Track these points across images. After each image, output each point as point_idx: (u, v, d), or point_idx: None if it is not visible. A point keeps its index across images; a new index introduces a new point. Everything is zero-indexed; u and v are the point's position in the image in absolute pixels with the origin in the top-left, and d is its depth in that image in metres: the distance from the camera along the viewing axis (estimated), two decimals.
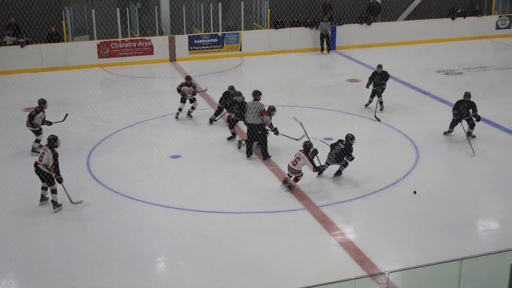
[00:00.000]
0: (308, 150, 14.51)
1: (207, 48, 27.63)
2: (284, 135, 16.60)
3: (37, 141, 16.79)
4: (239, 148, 16.98)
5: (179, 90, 19.43)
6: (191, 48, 27.44)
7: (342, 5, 30.42)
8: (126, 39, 26.67)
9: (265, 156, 16.44)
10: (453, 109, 17.81)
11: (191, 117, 19.71)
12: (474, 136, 17.59)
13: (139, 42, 26.81)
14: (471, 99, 17.52)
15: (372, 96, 20.57)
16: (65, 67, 25.75)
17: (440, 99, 21.63)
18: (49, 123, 16.76)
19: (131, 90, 23.21)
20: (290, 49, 28.74)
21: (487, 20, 32.50)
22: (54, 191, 13.52)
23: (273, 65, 26.45)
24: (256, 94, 16.60)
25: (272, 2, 29.40)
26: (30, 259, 11.69)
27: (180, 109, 19.56)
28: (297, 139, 16.05)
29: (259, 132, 16.24)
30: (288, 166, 14.57)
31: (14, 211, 13.51)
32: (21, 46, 25.36)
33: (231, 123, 17.78)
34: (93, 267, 11.50)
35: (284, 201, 14.11)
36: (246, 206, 13.90)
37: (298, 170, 14.43)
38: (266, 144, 16.45)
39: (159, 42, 27.07)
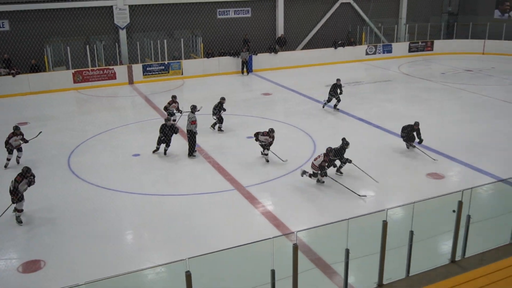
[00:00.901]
0: (329, 153, 13.77)
1: (156, 73, 27.25)
2: (275, 154, 15.75)
3: (8, 159, 15.35)
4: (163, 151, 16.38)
5: (166, 108, 18.83)
6: (144, 73, 26.99)
7: (256, 39, 30.62)
8: (95, 68, 26.01)
9: (190, 153, 16.10)
10: (401, 132, 16.57)
11: (174, 120, 18.61)
12: (414, 146, 16.49)
13: (105, 70, 26.16)
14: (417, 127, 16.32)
15: (329, 101, 21.16)
16: (48, 90, 24.94)
17: (329, 105, 21.97)
18: (26, 141, 15.52)
19: (100, 107, 22.63)
20: (219, 72, 28.66)
21: (359, 48, 33.22)
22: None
23: (207, 84, 26.33)
24: (192, 108, 16.53)
25: (204, 38, 29.26)
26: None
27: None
28: (283, 160, 15.54)
29: (189, 136, 16.05)
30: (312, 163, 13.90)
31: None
32: (13, 76, 24.41)
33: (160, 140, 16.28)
34: (78, 241, 11.19)
35: (219, 185, 14.06)
36: (191, 190, 13.79)
37: (317, 166, 13.68)
38: (194, 145, 16.14)
39: (120, 70, 26.54)
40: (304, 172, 14.06)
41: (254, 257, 8.53)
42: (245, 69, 29.02)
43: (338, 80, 21.20)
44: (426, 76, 28.23)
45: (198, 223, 12.00)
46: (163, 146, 16.30)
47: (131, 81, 26.74)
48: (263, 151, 15.61)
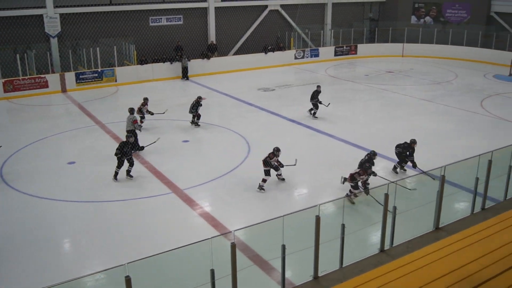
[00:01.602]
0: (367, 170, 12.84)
1: (90, 81, 26.42)
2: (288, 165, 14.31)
3: None
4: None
5: (140, 110, 18.85)
6: (77, 81, 26.09)
7: (189, 46, 30.36)
8: (26, 77, 24.88)
9: (139, 148, 16.42)
10: (395, 148, 14.81)
11: (140, 126, 17.98)
12: (404, 170, 14.85)
13: (36, 79, 25.07)
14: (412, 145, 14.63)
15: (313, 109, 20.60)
16: None
17: (262, 108, 22.13)
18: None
19: (33, 116, 21.68)
20: (154, 78, 28.19)
21: (288, 53, 33.62)
22: None
23: (141, 91, 25.77)
24: (130, 111, 16.64)
25: (137, 46, 28.71)
26: None
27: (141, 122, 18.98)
28: (294, 164, 14.27)
29: (129, 135, 15.68)
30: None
31: None
32: None
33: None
34: (14, 252, 10.64)
35: (157, 189, 13.80)
36: (128, 195, 13.45)
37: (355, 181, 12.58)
38: (137, 143, 16.33)
39: (52, 78, 25.52)
40: (344, 180, 13.04)
41: (194, 258, 8.41)
42: (185, 75, 28.86)
43: (318, 86, 20.76)
44: (351, 78, 28.97)
45: (137, 228, 11.70)
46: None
47: (64, 90, 25.79)
48: (278, 172, 14.12)
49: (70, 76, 25.94)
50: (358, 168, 13.16)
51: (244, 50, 33.17)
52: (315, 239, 8.15)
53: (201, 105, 19.50)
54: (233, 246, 7.38)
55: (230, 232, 9.92)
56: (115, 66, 27.41)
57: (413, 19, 38.48)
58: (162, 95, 24.78)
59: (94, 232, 11.56)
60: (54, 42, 26.47)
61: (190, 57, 29.39)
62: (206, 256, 7.36)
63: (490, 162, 10.34)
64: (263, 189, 13.57)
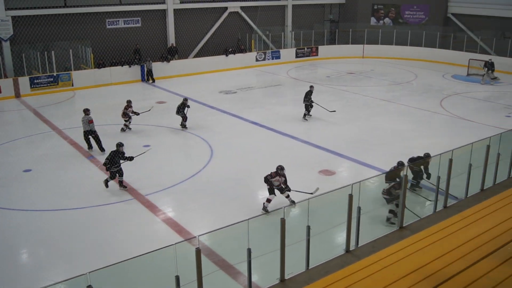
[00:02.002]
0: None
1: (45, 86, 25.79)
2: (298, 191, 12.78)
3: None
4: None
5: (124, 113, 19.04)
6: (32, 86, 25.43)
7: (148, 49, 30.07)
8: None
9: (102, 149, 16.87)
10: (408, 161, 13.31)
11: (130, 129, 19.35)
12: (420, 188, 13.15)
13: None
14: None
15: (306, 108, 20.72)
16: None
17: (224, 111, 22.10)
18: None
19: None
20: (112, 82, 27.76)
21: (250, 55, 33.70)
22: None
23: (99, 95, 25.37)
24: (85, 111, 16.91)
25: (94, 49, 28.24)
26: None
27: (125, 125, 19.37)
28: (311, 193, 12.60)
29: (92, 135, 16.62)
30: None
31: None
32: None
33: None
34: None
35: (117, 195, 13.58)
36: (88, 202, 13.18)
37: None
38: (99, 140, 16.95)
39: (5, 83, 24.81)
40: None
41: (158, 265, 8.29)
42: (150, 77, 28.68)
43: (311, 87, 21.01)
44: (313, 80, 29.24)
45: (98, 236, 11.48)
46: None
47: (18, 95, 25.10)
48: (284, 194, 12.56)
49: (24, 81, 25.27)
50: None
51: (204, 52, 33.07)
52: (280, 242, 8.17)
53: (188, 106, 19.59)
54: (198, 251, 7.33)
55: (195, 237, 9.82)
56: (71, 70, 26.88)
57: (373, 20, 39.20)
58: (121, 99, 24.36)
59: (53, 241, 11.28)
60: (6, 45, 25.75)
61: (152, 60, 29.09)
62: (170, 263, 7.28)
63: (450, 161, 10.59)
64: (267, 211, 12.25)
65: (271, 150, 17.19)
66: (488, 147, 11.66)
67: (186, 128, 19.50)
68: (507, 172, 12.44)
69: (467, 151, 11.73)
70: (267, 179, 12.48)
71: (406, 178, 9.76)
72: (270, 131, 19.26)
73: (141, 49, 29.58)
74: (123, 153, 14.14)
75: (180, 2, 31.39)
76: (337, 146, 17.33)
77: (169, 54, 30.53)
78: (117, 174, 13.99)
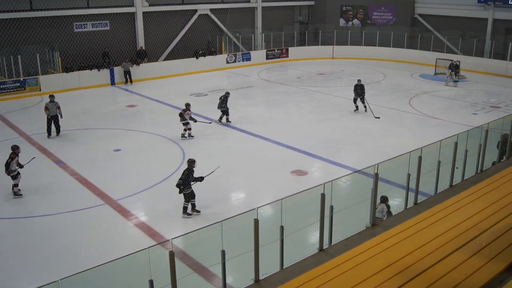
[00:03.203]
0: None
1: (12, 91, 25.30)
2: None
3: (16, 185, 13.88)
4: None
5: (181, 114, 18.57)
6: None
7: (117, 52, 29.78)
8: None
9: (59, 132, 18.83)
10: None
11: (187, 137, 18.58)
12: None
13: None
14: None
15: (355, 102, 22.12)
16: None
17: (195, 113, 21.97)
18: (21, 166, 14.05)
19: None
20: (80, 86, 27.38)
21: (220, 57, 33.67)
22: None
23: (68, 100, 24.95)
24: (51, 96, 18.82)
25: (62, 53, 27.82)
26: None
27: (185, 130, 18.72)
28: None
29: (55, 120, 18.66)
30: None
31: None
32: None
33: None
34: None
35: (89, 201, 13.42)
36: (58, 209, 12.99)
37: None
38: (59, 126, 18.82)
39: None
40: None
41: (131, 269, 8.23)
42: (129, 79, 28.54)
43: (359, 80, 22.35)
44: (284, 81, 29.40)
45: (70, 242, 11.32)
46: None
47: None
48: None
49: None
50: None
51: (174, 55, 32.92)
52: (254, 242, 8.18)
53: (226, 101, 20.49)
54: (172, 255, 7.29)
55: (168, 240, 9.78)
56: (38, 75, 26.44)
57: (342, 21, 39.62)
58: (90, 104, 24.14)
59: (24, 249, 11.07)
60: None
61: (117, 63, 28.77)
62: (144, 267, 7.23)
63: (420, 158, 10.77)
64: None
65: (243, 152, 17.22)
66: (456, 144, 11.89)
67: (230, 121, 20.36)
68: (475, 168, 12.72)
69: (435, 149, 11.95)
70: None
71: (377, 176, 9.89)
72: (242, 133, 19.28)
73: (110, 53, 29.28)
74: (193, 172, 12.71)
75: (149, 5, 31.18)
76: (309, 146, 17.45)
77: (139, 57, 30.30)
78: (188, 197, 12.58)
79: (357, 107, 22.30)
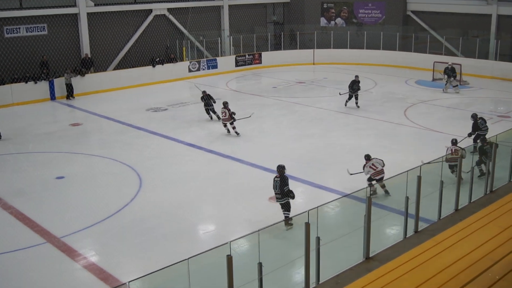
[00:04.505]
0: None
1: None
2: None
3: None
4: None
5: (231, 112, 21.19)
6: None
7: (58, 60, 29.57)
8: None
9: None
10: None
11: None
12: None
13: None
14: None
15: (349, 99, 25.21)
16: None
17: (153, 132, 21.97)
18: None
19: None
20: (13, 102, 27.05)
21: (181, 65, 33.75)
22: None
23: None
24: None
25: None
26: None
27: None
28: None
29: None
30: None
31: None
32: None
33: None
34: None
35: (26, 239, 13.18)
36: None
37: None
38: None
39: None
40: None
41: None
42: (70, 93, 28.39)
43: (356, 76, 25.21)
44: (257, 91, 29.59)
45: None
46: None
47: None
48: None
49: None
50: None
51: (127, 63, 32.85)
52: (228, 282, 8.16)
53: (213, 100, 23.47)
54: None
55: (124, 284, 9.67)
56: None
57: (323, 21, 40.20)
58: (26, 122, 23.86)
59: None
60: None
61: (56, 74, 28.52)
62: None
63: (419, 178, 10.92)
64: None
65: (212, 176, 17.18)
66: (461, 161, 12.11)
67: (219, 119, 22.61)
68: (483, 188, 12.94)
69: (437, 167, 12.15)
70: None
71: (370, 200, 9.97)
72: (209, 154, 19.28)
73: (49, 62, 29.05)
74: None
75: (95, 5, 31.15)
76: (288, 167, 17.41)
77: (84, 67, 30.14)
78: (282, 209, 13.48)
79: (346, 101, 25.33)
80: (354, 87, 24.98)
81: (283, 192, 13.34)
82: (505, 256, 9.04)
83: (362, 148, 19.39)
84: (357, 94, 25.21)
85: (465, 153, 14.88)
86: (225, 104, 21.25)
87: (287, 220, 13.12)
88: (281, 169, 13.61)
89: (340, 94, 26.06)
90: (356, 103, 25.25)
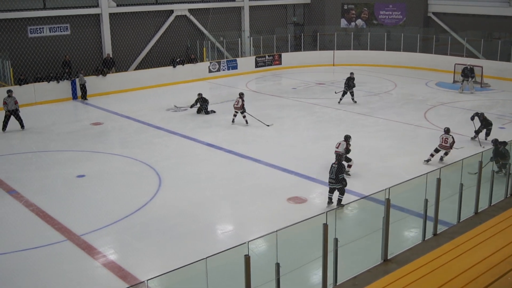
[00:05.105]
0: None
1: None
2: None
3: None
4: None
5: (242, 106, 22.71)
6: None
7: (80, 60, 29.81)
8: None
9: (22, 126, 22.33)
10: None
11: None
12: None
13: None
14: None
15: (343, 95, 26.18)
16: None
17: (172, 131, 22.06)
18: None
19: None
20: (36, 101, 27.32)
21: (201, 65, 33.85)
22: None
23: (22, 117, 24.86)
24: (8, 91, 21.58)
25: (14, 62, 27.81)
26: None
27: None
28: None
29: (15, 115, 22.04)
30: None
31: None
32: None
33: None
34: None
35: (47, 236, 13.32)
36: (11, 246, 12.88)
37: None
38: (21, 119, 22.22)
39: None
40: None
41: None
42: (82, 94, 28.45)
43: (351, 73, 26.25)
44: (277, 92, 29.56)
45: (25, 286, 11.20)
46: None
47: None
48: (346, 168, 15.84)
49: None
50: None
51: (147, 64, 33.03)
52: (245, 282, 8.17)
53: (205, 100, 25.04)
54: None
55: (143, 282, 9.72)
56: None
57: (343, 22, 40.06)
58: (48, 122, 24.10)
59: None
60: None
61: (84, 73, 28.79)
62: None
63: (439, 180, 10.85)
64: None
65: (230, 177, 17.21)
66: (481, 163, 12.00)
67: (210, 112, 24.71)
68: (504, 191, 12.81)
69: (457, 169, 12.04)
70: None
71: (388, 202, 9.92)
72: (228, 154, 19.30)
73: (72, 61, 29.29)
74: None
75: (117, 5, 31.36)
76: (307, 168, 17.49)
77: (105, 67, 30.36)
78: (338, 192, 14.44)
79: (340, 99, 26.32)
80: (350, 83, 25.91)
81: (337, 178, 14.16)
82: None
83: (382, 149, 19.33)
84: (352, 91, 26.13)
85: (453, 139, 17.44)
86: (241, 95, 22.80)
87: (340, 203, 14.02)
88: (339, 157, 14.97)
89: (335, 92, 27.18)
90: (352, 98, 26.24)
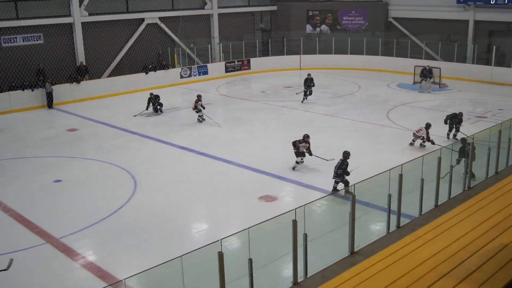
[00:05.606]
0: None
1: None
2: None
3: None
4: None
5: (196, 107, 23.64)
6: None
7: (54, 68, 29.55)
8: None
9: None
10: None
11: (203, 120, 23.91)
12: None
13: None
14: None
15: (305, 95, 27.32)
16: None
17: (146, 136, 22.05)
18: None
19: None
20: (11, 109, 27.00)
21: (173, 71, 33.79)
22: None
23: None
24: None
25: None
26: None
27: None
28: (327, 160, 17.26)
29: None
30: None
31: None
32: None
33: None
34: None
35: (26, 240, 13.24)
36: None
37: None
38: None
39: None
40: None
41: None
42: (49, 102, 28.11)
43: (309, 74, 27.37)
44: (246, 96, 29.72)
45: None
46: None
47: None
48: (299, 160, 17.50)
49: None
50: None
51: (120, 71, 32.88)
52: (219, 278, 8.28)
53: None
54: None
55: (120, 281, 9.78)
56: None
57: (308, 28, 40.39)
58: (23, 129, 23.86)
59: None
60: None
61: (54, 82, 28.50)
62: None
63: (401, 176, 11.11)
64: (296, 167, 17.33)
65: (203, 178, 17.31)
66: (440, 159, 12.30)
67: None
68: (462, 185, 13.16)
69: (418, 165, 12.32)
70: (295, 144, 17.31)
71: (354, 198, 10.14)
72: (201, 156, 19.39)
73: (46, 69, 29.02)
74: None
75: (89, 14, 31.16)
76: (277, 168, 17.66)
77: (79, 74, 30.12)
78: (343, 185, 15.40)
79: (304, 98, 27.41)
80: (308, 83, 27.15)
81: (337, 173, 15.24)
82: (480, 249, 9.25)
83: (347, 149, 19.57)
84: (311, 90, 27.26)
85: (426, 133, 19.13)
86: (198, 97, 23.85)
87: (347, 189, 14.42)
88: (345, 155, 15.55)
89: (296, 93, 28.55)
90: (305, 98, 27.46)
